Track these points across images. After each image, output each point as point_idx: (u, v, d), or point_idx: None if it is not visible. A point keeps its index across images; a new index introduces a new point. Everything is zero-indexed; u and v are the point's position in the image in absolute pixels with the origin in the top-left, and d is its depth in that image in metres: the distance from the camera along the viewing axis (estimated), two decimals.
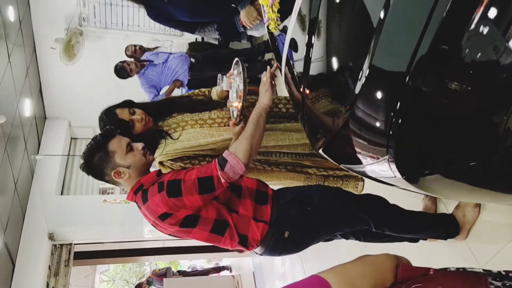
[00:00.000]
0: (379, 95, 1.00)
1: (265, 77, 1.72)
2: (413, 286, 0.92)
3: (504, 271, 0.95)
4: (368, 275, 0.93)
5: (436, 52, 0.85)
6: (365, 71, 0.98)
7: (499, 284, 0.90)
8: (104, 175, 1.57)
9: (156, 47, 4.72)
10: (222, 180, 1.44)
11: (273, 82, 1.72)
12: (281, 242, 1.60)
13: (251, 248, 1.61)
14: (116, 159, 1.55)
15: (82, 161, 1.58)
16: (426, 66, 0.87)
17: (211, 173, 1.45)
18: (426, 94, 0.89)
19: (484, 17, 0.77)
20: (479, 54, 0.81)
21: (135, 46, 4.64)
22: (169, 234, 1.60)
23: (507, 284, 0.90)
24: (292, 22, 1.46)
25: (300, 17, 1.42)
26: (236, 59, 1.81)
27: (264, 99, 1.67)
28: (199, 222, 1.50)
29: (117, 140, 1.57)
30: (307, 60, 1.33)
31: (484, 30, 0.78)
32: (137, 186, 1.56)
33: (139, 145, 1.60)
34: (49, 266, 5.11)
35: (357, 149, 1.09)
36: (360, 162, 1.10)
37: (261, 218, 1.59)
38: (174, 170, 1.57)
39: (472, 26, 0.78)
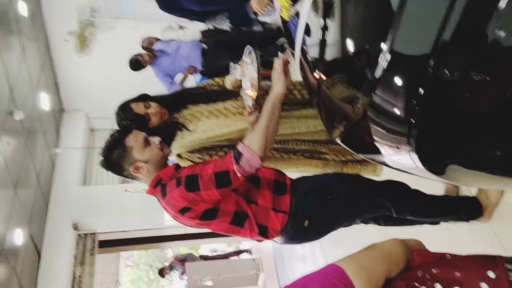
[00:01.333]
0: (400, 81, 0.96)
1: (277, 63, 1.65)
2: (432, 271, 0.92)
3: None
4: (379, 258, 0.96)
5: (462, 35, 0.80)
6: (386, 55, 0.93)
7: None
8: (123, 171, 1.59)
9: (171, 40, 4.68)
10: (238, 174, 1.42)
11: (286, 69, 1.65)
12: (301, 231, 1.59)
13: (271, 238, 1.61)
14: (134, 154, 1.56)
15: (101, 157, 1.59)
16: (451, 50, 0.82)
17: (226, 167, 1.43)
18: (451, 80, 0.85)
19: None
20: (508, 37, 0.76)
21: (151, 38, 4.62)
22: (190, 226, 1.61)
23: None
24: (305, 5, 1.42)
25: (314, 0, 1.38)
26: (249, 46, 1.78)
27: (277, 87, 1.59)
28: (218, 214, 1.51)
29: (134, 136, 1.58)
30: (323, 44, 1.28)
31: None
32: (156, 181, 1.57)
33: (156, 140, 1.60)
34: (75, 255, 5.24)
35: (377, 138, 1.06)
36: (380, 152, 1.08)
37: (280, 209, 1.58)
38: (191, 165, 1.57)
39: (502, 5, 0.74)
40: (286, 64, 1.66)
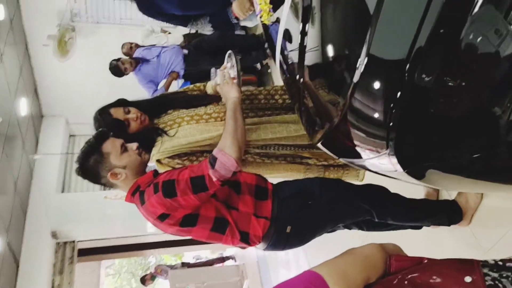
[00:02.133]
0: (378, 84, 0.97)
1: (219, 81, 1.75)
2: (409, 276, 0.92)
3: (501, 260, 0.93)
4: (358, 264, 0.96)
5: (437, 39, 0.81)
6: (363, 59, 0.94)
7: (495, 275, 0.88)
8: (101, 178, 1.55)
9: (152, 46, 4.64)
10: (214, 179, 1.41)
11: (231, 77, 1.74)
12: (283, 237, 1.58)
13: (253, 245, 1.59)
14: (111, 160, 1.53)
15: (77, 165, 1.55)
16: (427, 54, 0.83)
17: (202, 172, 1.42)
18: (427, 84, 0.86)
19: (487, 2, 0.73)
20: (483, 41, 0.77)
21: (131, 43, 4.57)
22: (171, 233, 1.59)
23: (504, 275, 0.88)
24: (285, 10, 1.42)
25: (293, 4, 1.38)
26: (229, 51, 1.78)
27: (231, 94, 1.67)
28: (199, 221, 1.49)
29: (111, 142, 1.56)
30: (302, 49, 1.29)
31: (488, 15, 0.74)
32: (134, 188, 1.54)
33: (133, 145, 1.58)
34: (54, 264, 5.13)
35: (357, 142, 1.06)
36: (360, 156, 1.08)
37: (261, 214, 1.57)
38: (168, 170, 1.55)
39: (475, 10, 0.74)
40: (225, 74, 1.74)
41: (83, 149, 1.54)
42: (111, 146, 1.54)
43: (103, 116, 1.80)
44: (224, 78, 1.77)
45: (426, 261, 0.96)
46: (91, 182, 1.58)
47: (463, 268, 0.90)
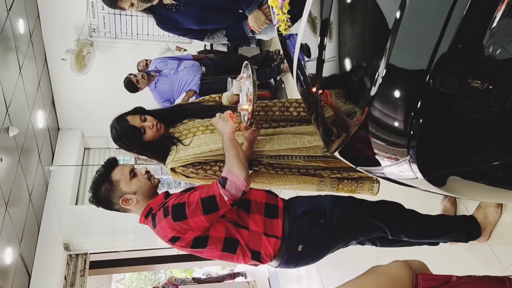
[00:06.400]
0: (397, 94, 0.96)
1: (216, 116, 1.75)
2: None
3: None
4: (384, 284, 0.92)
5: (457, 50, 0.81)
6: (382, 70, 0.94)
7: None
8: (113, 205, 1.60)
9: (170, 57, 4.68)
10: (225, 198, 1.44)
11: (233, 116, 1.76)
12: (295, 256, 1.59)
13: (265, 262, 1.61)
14: (121, 187, 1.58)
15: (90, 194, 1.61)
16: (447, 65, 0.83)
17: (213, 192, 1.45)
18: (448, 93, 0.85)
19: (506, 16, 0.74)
20: (502, 52, 0.77)
21: (146, 60, 4.64)
22: (185, 252, 1.61)
23: None
24: (302, 23, 1.43)
25: (311, 19, 1.39)
26: (246, 62, 1.79)
27: (226, 129, 1.68)
28: (209, 242, 1.51)
29: (120, 169, 1.61)
30: (320, 62, 1.30)
31: (507, 28, 0.74)
32: (146, 211, 1.59)
33: (142, 170, 1.64)
34: (65, 276, 5.12)
35: (376, 151, 1.05)
36: (378, 164, 1.06)
37: (272, 233, 1.58)
38: (177, 193, 1.58)
39: (494, 24, 0.75)
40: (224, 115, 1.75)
41: (94, 178, 1.60)
42: (120, 173, 1.59)
43: (120, 123, 1.83)
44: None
45: (455, 278, 0.93)
46: (105, 209, 1.63)
47: (493, 285, 0.87)
